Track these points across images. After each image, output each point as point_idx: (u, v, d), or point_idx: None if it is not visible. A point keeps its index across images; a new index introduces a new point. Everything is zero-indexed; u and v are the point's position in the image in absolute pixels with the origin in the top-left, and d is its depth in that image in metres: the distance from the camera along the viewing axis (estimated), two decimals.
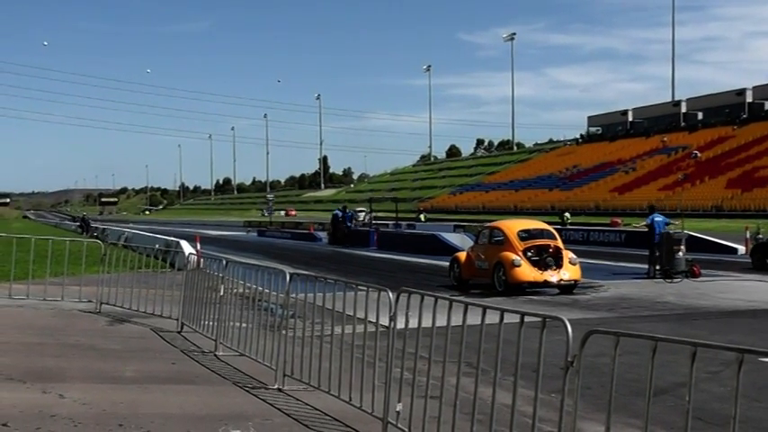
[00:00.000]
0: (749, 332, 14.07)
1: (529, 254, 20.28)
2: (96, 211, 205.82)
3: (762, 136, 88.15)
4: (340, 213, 49.03)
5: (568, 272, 20.16)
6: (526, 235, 21.00)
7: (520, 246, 20.40)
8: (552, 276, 20.00)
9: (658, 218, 24.88)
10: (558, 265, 20.22)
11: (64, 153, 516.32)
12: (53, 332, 13.10)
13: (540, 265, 20.13)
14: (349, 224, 45.31)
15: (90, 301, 15.82)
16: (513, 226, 21.86)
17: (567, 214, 62.17)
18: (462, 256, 22.73)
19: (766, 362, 5.59)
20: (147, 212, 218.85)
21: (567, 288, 20.12)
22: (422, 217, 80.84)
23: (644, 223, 26.02)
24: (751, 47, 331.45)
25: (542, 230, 21.69)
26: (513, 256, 20.06)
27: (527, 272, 19.94)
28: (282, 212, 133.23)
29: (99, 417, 7.71)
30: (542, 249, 20.47)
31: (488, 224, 24.10)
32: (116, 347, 12.01)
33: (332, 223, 50.13)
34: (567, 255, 20.56)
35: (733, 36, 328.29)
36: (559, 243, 20.93)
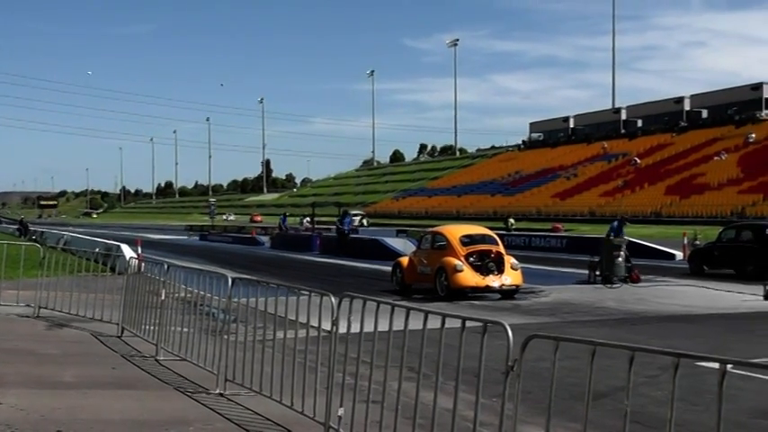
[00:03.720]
0: (686, 337, 14.29)
1: (471, 259, 20.36)
2: (35, 215, 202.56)
3: (699, 143, 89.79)
4: (284, 219, 48.89)
5: (510, 277, 20.26)
6: (468, 240, 21.07)
7: (462, 251, 20.48)
8: (494, 281, 20.10)
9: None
10: (500, 270, 20.28)
11: (2, 155, 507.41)
12: None
13: (483, 270, 20.18)
14: (347, 229, 42.78)
15: (28, 306, 15.57)
16: (455, 231, 21.97)
17: (511, 220, 62.65)
18: (405, 260, 22.80)
19: (702, 366, 5.70)
20: (95, 215, 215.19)
21: (508, 293, 20.25)
22: (364, 221, 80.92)
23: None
24: (689, 56, 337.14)
25: (484, 236, 21.79)
26: (456, 262, 20.15)
27: (469, 277, 20.03)
28: (229, 216, 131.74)
29: (37, 423, 7.60)
30: (484, 255, 20.55)
31: (431, 229, 24.16)
32: (55, 352, 11.86)
33: (279, 227, 49.95)
34: (509, 260, 20.67)
35: (671, 45, 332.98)
36: (501, 248, 21.06)
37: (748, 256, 25.15)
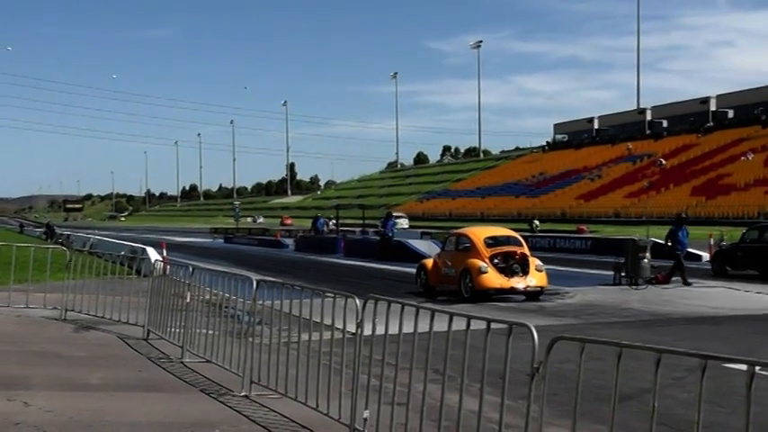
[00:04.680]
0: (713, 338, 14.19)
1: (495, 261, 20.29)
2: (61, 218, 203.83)
3: (725, 144, 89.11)
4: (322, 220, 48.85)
5: (535, 279, 20.19)
6: (493, 242, 21.00)
7: (486, 253, 20.42)
8: (519, 283, 20.04)
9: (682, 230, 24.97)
10: (525, 271, 20.21)
11: (28, 159, 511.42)
12: (18, 340, 13.00)
13: (507, 271, 20.12)
14: (389, 233, 40.67)
15: (55, 308, 15.68)
16: (479, 233, 21.89)
17: (536, 221, 62.39)
18: (429, 262, 22.75)
19: (729, 368, 5.65)
20: (123, 218, 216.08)
21: (533, 295, 20.18)
22: (405, 224, 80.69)
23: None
24: (715, 56, 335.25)
25: (509, 237, 21.74)
26: (480, 263, 20.11)
27: (494, 278, 19.99)
28: (258, 219, 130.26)
29: (65, 425, 7.66)
30: (509, 256, 20.48)
31: (455, 231, 24.11)
32: (82, 355, 11.94)
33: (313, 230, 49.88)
34: (534, 262, 20.58)
35: (697, 45, 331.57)
36: (526, 250, 21.00)
37: None
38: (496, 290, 20.03)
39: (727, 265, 26.86)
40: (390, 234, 39.97)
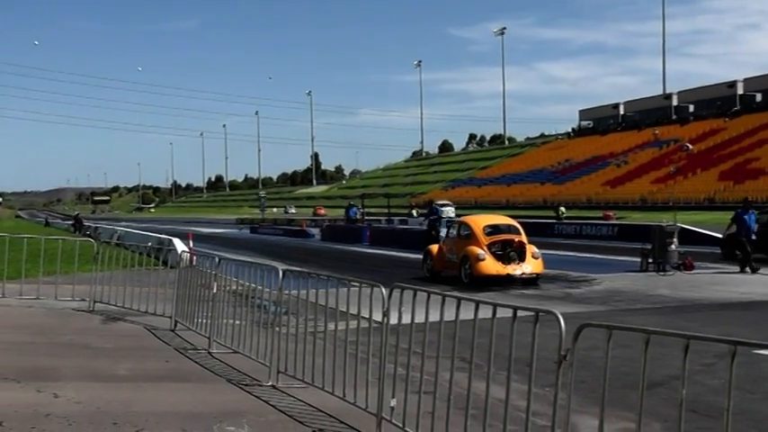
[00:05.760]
0: (742, 324, 14.10)
1: (493, 248, 21.22)
2: (89, 210, 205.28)
3: (753, 128, 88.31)
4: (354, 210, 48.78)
5: (530, 265, 21.02)
6: (491, 230, 21.91)
7: (485, 240, 21.36)
8: (515, 270, 20.85)
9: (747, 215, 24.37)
10: (522, 259, 21.07)
11: (56, 152, 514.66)
12: (47, 331, 13.09)
13: (504, 259, 21.02)
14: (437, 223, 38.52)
15: (83, 300, 15.78)
16: (479, 221, 22.90)
17: (562, 208, 62.17)
18: (435, 248, 23.78)
19: (759, 354, 5.61)
20: (152, 209, 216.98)
21: (529, 281, 20.91)
22: (414, 212, 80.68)
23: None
24: (741, 39, 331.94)
25: (509, 226, 22.54)
26: (479, 251, 21.09)
27: (490, 265, 20.90)
28: (290, 209, 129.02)
29: (93, 415, 7.70)
30: (506, 244, 21.32)
31: (458, 219, 25.52)
32: (110, 346, 12.00)
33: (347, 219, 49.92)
34: (531, 249, 21.43)
35: (723, 29, 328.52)
36: (523, 238, 21.73)
37: None
38: (493, 276, 20.82)
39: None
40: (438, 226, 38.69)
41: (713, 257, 26.96)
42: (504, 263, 20.92)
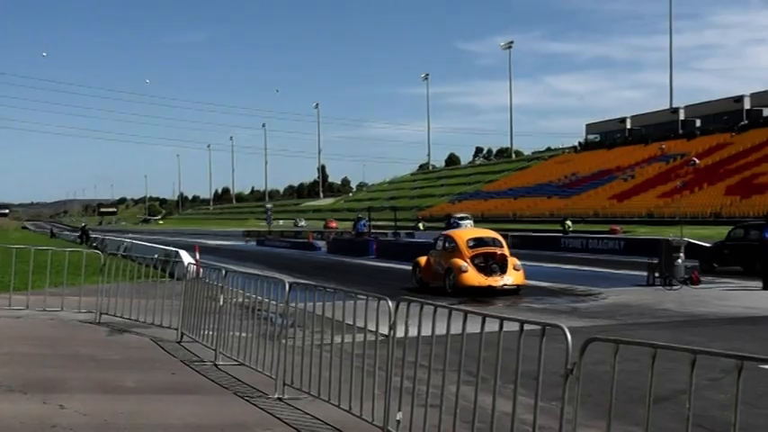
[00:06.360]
0: (749, 339, 14.06)
1: (476, 261, 22.13)
2: (95, 222, 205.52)
3: (760, 142, 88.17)
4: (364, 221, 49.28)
5: (512, 277, 21.95)
6: (474, 243, 22.91)
7: (468, 253, 22.32)
8: (497, 281, 21.78)
9: None
10: (503, 271, 21.95)
11: (63, 164, 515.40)
12: (53, 343, 13.11)
13: (486, 270, 21.91)
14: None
15: (90, 312, 15.81)
16: (463, 235, 24.33)
17: (568, 222, 61.99)
18: (423, 260, 24.64)
19: (766, 369, 5.60)
20: (161, 221, 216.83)
21: (510, 292, 21.75)
22: (420, 225, 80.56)
23: None
24: (748, 54, 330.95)
25: (492, 239, 23.49)
26: (461, 263, 22.07)
27: (473, 277, 21.85)
28: (300, 222, 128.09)
29: (99, 427, 7.71)
30: (489, 257, 22.25)
31: (444, 232, 26.57)
32: (116, 358, 12.02)
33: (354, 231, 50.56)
34: (513, 261, 22.34)
35: (730, 43, 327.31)
36: (505, 251, 22.67)
37: (755, 254, 24.76)
38: (475, 287, 21.68)
39: (715, 262, 28.07)
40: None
41: (720, 272, 26.94)
42: (486, 274, 21.81)
